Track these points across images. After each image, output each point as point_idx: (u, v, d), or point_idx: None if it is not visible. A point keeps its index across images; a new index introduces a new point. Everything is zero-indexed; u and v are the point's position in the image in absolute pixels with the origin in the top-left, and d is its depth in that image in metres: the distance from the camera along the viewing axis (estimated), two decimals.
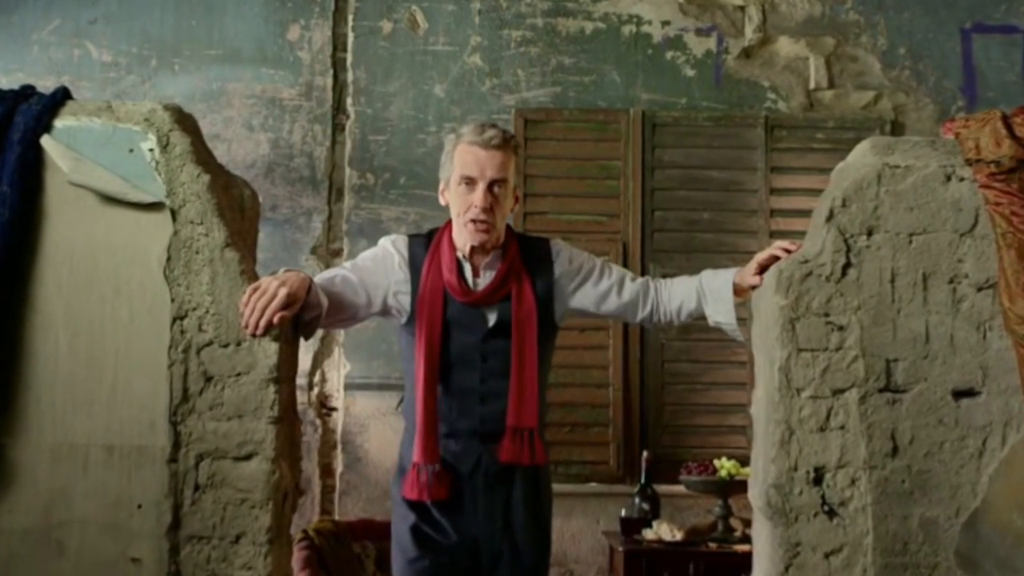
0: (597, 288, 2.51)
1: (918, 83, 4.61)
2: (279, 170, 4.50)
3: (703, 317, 2.53)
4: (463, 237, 2.44)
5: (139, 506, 2.23)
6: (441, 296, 2.41)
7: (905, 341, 2.22)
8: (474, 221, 2.39)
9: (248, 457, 2.23)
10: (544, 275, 2.48)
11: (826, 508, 2.19)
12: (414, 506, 2.44)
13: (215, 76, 4.54)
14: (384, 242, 2.53)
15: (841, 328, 2.22)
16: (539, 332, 2.42)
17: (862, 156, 2.35)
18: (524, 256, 2.48)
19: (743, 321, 2.52)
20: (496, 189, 2.40)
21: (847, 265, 2.24)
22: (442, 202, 2.52)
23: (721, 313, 2.47)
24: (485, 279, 2.45)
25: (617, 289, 2.52)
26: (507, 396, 2.38)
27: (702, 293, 2.50)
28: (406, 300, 2.45)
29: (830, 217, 2.27)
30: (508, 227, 2.51)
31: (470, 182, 2.39)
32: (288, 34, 4.58)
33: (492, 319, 2.43)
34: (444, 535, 2.42)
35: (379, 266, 2.48)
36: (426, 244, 2.48)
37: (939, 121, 4.42)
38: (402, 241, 2.51)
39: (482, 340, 2.42)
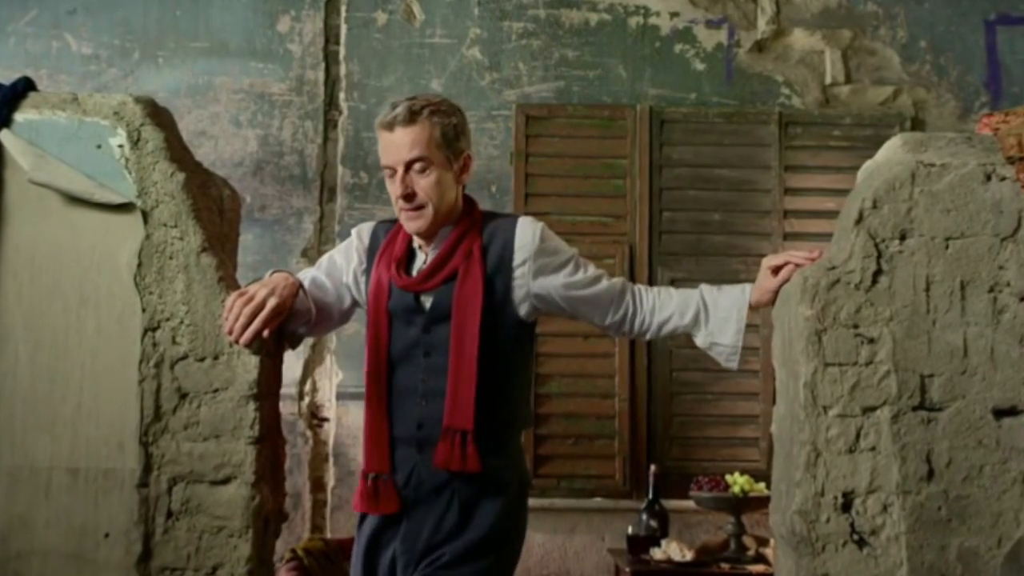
0: (571, 278, 2.30)
1: (939, 78, 4.58)
2: (268, 168, 4.46)
3: (687, 336, 2.35)
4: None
5: (106, 535, 2.16)
6: (386, 286, 2.27)
7: (941, 355, 2.14)
8: (403, 210, 2.25)
9: (226, 481, 2.16)
10: (503, 255, 2.27)
11: (856, 537, 2.11)
12: (359, 535, 2.31)
13: (201, 70, 4.49)
14: (353, 231, 2.42)
15: (871, 341, 2.15)
16: (491, 321, 2.22)
17: (893, 154, 2.27)
18: (482, 234, 2.29)
19: (752, 328, 2.38)
20: (415, 168, 2.22)
21: (878, 272, 2.17)
22: None
23: (727, 335, 2.29)
24: (426, 264, 2.31)
25: (590, 283, 2.32)
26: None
27: (703, 309, 2.31)
28: (364, 292, 2.35)
29: (859, 220, 2.19)
30: (470, 204, 2.34)
31: (390, 171, 2.24)
32: (278, 25, 4.54)
33: (429, 304, 2.25)
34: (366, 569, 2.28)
35: (343, 259, 2.38)
36: (388, 229, 2.36)
37: (961, 118, 4.48)
38: (367, 228, 2.40)
39: (423, 330, 2.25)
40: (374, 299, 2.27)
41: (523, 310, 2.28)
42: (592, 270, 2.33)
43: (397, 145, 2.20)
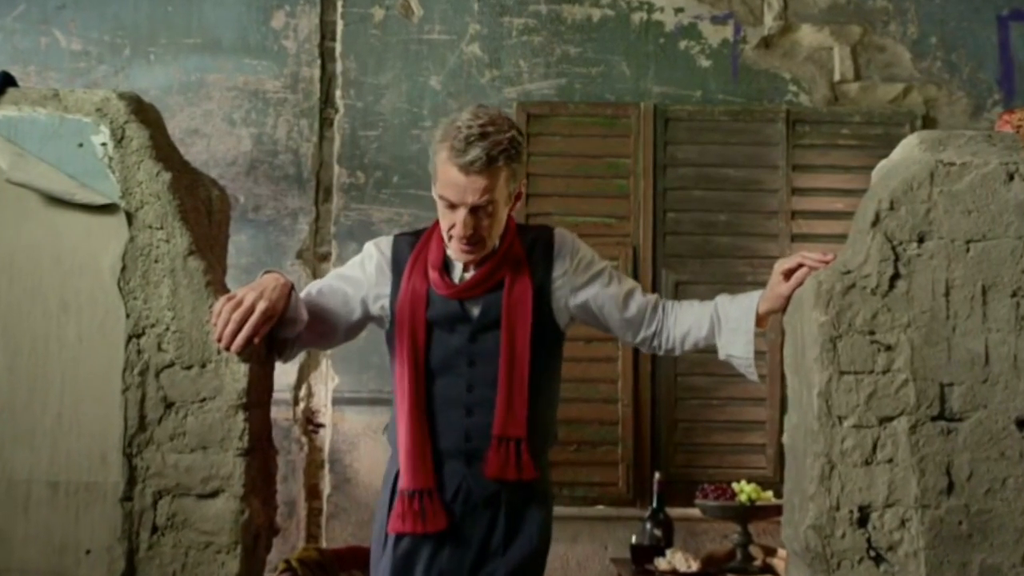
0: (606, 290, 2.35)
1: (951, 75, 4.54)
2: (262, 168, 4.42)
3: (711, 349, 2.38)
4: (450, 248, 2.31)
5: (88, 551, 2.13)
6: (424, 295, 2.27)
7: (962, 363, 2.10)
8: (460, 246, 2.25)
9: (213, 494, 2.13)
10: (545, 265, 2.32)
11: (872, 553, 2.07)
12: (388, 544, 2.27)
13: (194, 67, 4.45)
14: (368, 245, 2.40)
15: (889, 348, 2.11)
16: (538, 329, 2.26)
17: (909, 152, 2.23)
18: (523, 246, 2.33)
19: (758, 332, 2.39)
20: (482, 212, 2.22)
21: (895, 276, 2.12)
22: (434, 194, 2.37)
23: (738, 346, 2.32)
24: (473, 272, 2.31)
25: (624, 298, 2.36)
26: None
27: (716, 321, 2.34)
28: (388, 304, 2.32)
29: (875, 222, 2.15)
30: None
31: (449, 204, 2.22)
32: (272, 21, 4.50)
33: (476, 312, 2.27)
34: None
35: (358, 272, 2.35)
36: (413, 242, 2.35)
37: (974, 115, 4.43)
38: (386, 241, 2.38)
39: (469, 340, 2.26)
40: (410, 309, 2.25)
41: (562, 321, 2.33)
42: (627, 282, 2.37)
43: (467, 189, 2.17)
